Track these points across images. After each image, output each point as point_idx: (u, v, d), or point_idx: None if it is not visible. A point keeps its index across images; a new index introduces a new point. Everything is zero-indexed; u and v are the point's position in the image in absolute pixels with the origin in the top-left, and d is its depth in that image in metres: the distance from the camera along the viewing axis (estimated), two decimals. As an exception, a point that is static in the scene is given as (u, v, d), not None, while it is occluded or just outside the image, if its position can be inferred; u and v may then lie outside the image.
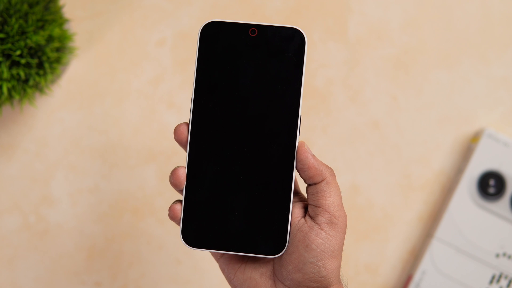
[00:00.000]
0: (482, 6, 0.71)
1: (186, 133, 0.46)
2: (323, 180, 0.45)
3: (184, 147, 0.46)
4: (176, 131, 0.46)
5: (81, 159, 0.70)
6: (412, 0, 0.72)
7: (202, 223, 0.46)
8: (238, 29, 0.46)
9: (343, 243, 0.45)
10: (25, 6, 0.61)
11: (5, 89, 0.61)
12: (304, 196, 0.48)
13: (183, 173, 0.46)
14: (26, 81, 0.62)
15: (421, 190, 0.70)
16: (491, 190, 0.67)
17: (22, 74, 0.61)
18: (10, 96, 0.62)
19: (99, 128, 0.70)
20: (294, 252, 0.45)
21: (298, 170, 0.46)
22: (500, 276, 0.67)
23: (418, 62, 0.71)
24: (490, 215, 0.67)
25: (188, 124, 0.46)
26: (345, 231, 0.45)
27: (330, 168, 0.46)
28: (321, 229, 0.44)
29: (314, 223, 0.44)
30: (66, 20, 0.65)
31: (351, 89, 0.71)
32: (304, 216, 0.45)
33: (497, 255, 0.67)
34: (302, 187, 0.48)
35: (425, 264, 0.68)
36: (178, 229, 0.48)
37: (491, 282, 0.67)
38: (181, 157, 0.69)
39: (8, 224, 0.69)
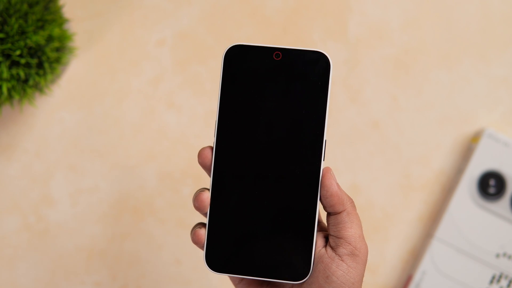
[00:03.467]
0: (482, 6, 0.71)
1: (210, 157, 0.46)
2: (344, 210, 0.45)
3: (208, 170, 0.46)
4: (200, 155, 0.46)
5: (81, 159, 0.70)
6: (412, 0, 0.72)
7: (226, 247, 0.46)
8: (262, 53, 0.46)
9: (363, 275, 0.45)
10: (25, 6, 0.60)
11: (4, 89, 0.61)
12: (325, 225, 0.48)
13: (207, 197, 0.46)
14: (26, 81, 0.62)
15: (421, 190, 0.70)
16: (491, 190, 0.67)
17: (22, 74, 0.61)
18: (10, 96, 0.62)
19: (99, 128, 0.70)
20: (314, 282, 0.45)
21: (320, 196, 0.46)
22: (500, 276, 0.67)
23: (418, 62, 0.71)
24: (490, 215, 0.67)
25: (212, 148, 0.46)
26: (366, 262, 0.45)
27: (351, 198, 0.46)
28: (342, 260, 0.44)
29: (335, 254, 0.44)
30: (66, 20, 0.65)
31: (351, 89, 0.71)
32: (325, 246, 0.45)
33: (497, 255, 0.67)
34: (322, 215, 0.49)
35: (425, 264, 0.67)
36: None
37: (491, 282, 0.67)
38: (181, 158, 0.69)
39: (8, 224, 0.69)
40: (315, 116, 0.45)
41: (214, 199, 0.46)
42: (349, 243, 0.44)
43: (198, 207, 0.46)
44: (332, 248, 0.45)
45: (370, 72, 0.71)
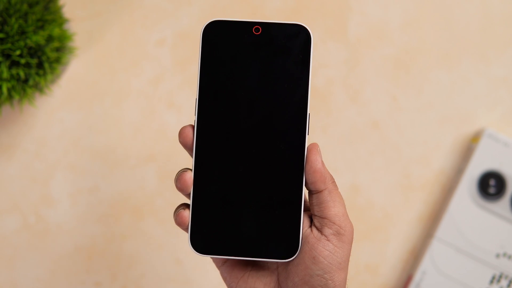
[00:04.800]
0: (482, 6, 0.71)
1: (191, 136, 0.45)
2: (325, 188, 0.44)
3: (189, 150, 0.45)
4: (181, 133, 0.45)
5: (81, 159, 0.70)
6: (412, 0, 0.72)
7: (212, 228, 0.45)
8: (241, 28, 0.45)
9: (350, 254, 0.44)
10: (25, 6, 0.60)
11: (4, 89, 0.60)
12: (308, 205, 0.47)
13: (189, 178, 0.44)
14: (26, 81, 0.62)
15: (421, 190, 0.70)
16: (491, 190, 0.67)
17: (21, 74, 0.61)
18: (10, 96, 0.62)
19: (99, 128, 0.70)
20: (300, 264, 0.44)
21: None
22: (500, 276, 0.67)
23: (418, 62, 0.71)
24: (490, 215, 0.67)
25: (193, 127, 0.45)
26: (352, 241, 0.44)
27: (333, 177, 0.45)
28: (328, 240, 0.43)
29: (321, 234, 0.44)
30: (66, 20, 0.65)
31: (351, 89, 0.71)
32: (310, 227, 0.44)
33: (498, 255, 0.67)
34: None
35: (425, 264, 0.67)
36: (185, 235, 0.47)
37: (491, 282, 0.67)
38: (181, 158, 0.69)
39: (8, 224, 0.69)
40: (297, 90, 0.45)
41: (197, 179, 0.45)
42: (334, 223, 0.43)
43: (180, 188, 0.44)
44: (317, 228, 0.44)
45: (370, 72, 0.71)
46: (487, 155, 0.68)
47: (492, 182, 0.67)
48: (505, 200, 0.67)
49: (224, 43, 0.45)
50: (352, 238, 0.44)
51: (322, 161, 0.45)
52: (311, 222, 0.45)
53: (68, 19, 0.66)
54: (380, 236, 0.70)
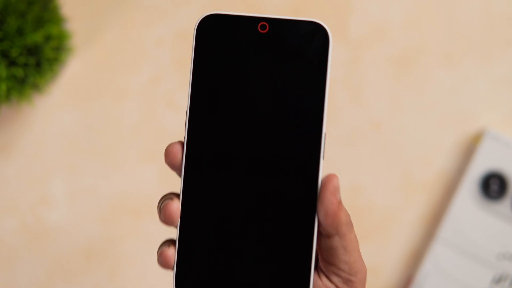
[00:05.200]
0: (485, 5, 0.71)
1: (180, 155, 0.37)
2: (337, 234, 0.37)
3: (178, 171, 0.37)
4: (168, 153, 0.37)
5: (80, 159, 0.69)
6: (413, -1, 0.71)
7: (202, 272, 0.37)
8: (244, 24, 0.37)
9: None
10: (23, 5, 0.60)
11: (3, 89, 0.60)
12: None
13: (176, 209, 0.36)
14: (24, 80, 0.62)
15: (423, 191, 0.70)
16: (493, 190, 0.67)
17: (20, 73, 0.61)
18: (8, 96, 0.62)
19: (98, 128, 0.70)
20: None
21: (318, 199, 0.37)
22: (502, 278, 0.67)
23: (420, 62, 0.71)
24: (492, 215, 0.67)
25: (182, 144, 0.37)
26: (365, 283, 0.39)
27: (348, 216, 0.37)
28: None
29: (329, 282, 0.38)
30: (65, 19, 0.64)
31: (352, 88, 0.70)
32: (316, 269, 0.38)
33: (500, 256, 0.67)
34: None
35: (427, 265, 0.67)
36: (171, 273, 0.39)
37: (493, 283, 0.67)
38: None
39: (5, 225, 0.69)
40: (311, 104, 0.37)
41: (186, 210, 0.37)
42: (343, 270, 0.37)
43: (165, 221, 0.37)
44: (324, 274, 0.38)
45: (371, 72, 0.70)
46: (489, 155, 0.67)
47: (494, 182, 0.67)
48: (507, 200, 0.67)
49: (223, 43, 0.37)
50: (365, 281, 0.39)
51: (338, 202, 0.36)
52: (317, 263, 0.39)
53: (67, 18, 0.65)
54: (381, 236, 0.69)
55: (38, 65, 0.62)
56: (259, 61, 0.37)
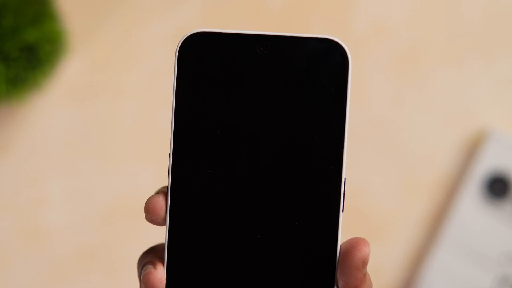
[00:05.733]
0: (489, 3, 0.71)
1: (163, 211, 0.31)
2: None
3: (162, 225, 0.31)
4: (148, 208, 0.31)
5: (77, 159, 0.69)
6: (415, -3, 0.71)
7: None
8: (238, 44, 0.29)
9: None
10: (20, 2, 0.60)
11: (1, 88, 0.60)
12: None
13: (160, 279, 0.30)
14: (20, 79, 0.62)
15: (425, 191, 0.70)
16: (497, 191, 0.67)
17: (16, 71, 0.61)
18: (4, 94, 0.62)
19: (96, 128, 0.70)
20: None
21: (339, 267, 0.30)
22: (505, 280, 0.67)
23: (423, 60, 0.71)
24: (495, 217, 0.67)
25: (166, 195, 0.31)
26: None
27: (370, 282, 0.31)
28: None
29: None
30: (62, 16, 0.65)
31: (353, 87, 0.70)
32: None
33: (503, 258, 0.67)
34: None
35: (428, 266, 0.67)
36: None
37: (496, 286, 0.67)
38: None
39: (1, 226, 0.69)
40: (327, 143, 0.30)
41: (172, 279, 0.30)
42: None
43: None
44: None
45: (373, 70, 0.70)
46: (493, 155, 0.67)
47: (497, 183, 0.67)
48: (510, 201, 0.67)
49: (212, 68, 0.29)
50: None
51: (363, 275, 0.29)
52: None
53: (64, 16, 0.66)
54: (383, 237, 0.69)
55: (35, 63, 0.62)
56: (258, 91, 0.29)
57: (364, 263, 0.30)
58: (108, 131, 0.70)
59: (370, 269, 0.70)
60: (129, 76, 0.70)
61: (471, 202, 0.67)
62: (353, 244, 0.29)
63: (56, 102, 0.70)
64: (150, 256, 0.32)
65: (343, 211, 0.30)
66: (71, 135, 0.70)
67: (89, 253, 0.69)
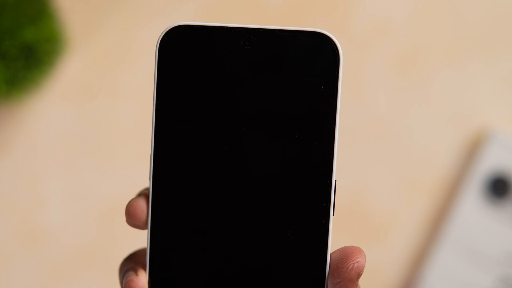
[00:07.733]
0: (491, 2, 0.71)
1: (144, 214, 0.30)
2: None
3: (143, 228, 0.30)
4: (129, 212, 0.30)
5: (76, 159, 0.69)
6: (416, -4, 0.71)
7: None
8: (222, 38, 0.28)
9: None
10: (18, 1, 0.60)
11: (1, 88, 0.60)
12: None
13: (142, 286, 0.29)
14: (19, 78, 0.62)
15: (426, 192, 0.70)
16: (498, 191, 0.67)
17: (15, 71, 0.60)
18: (4, 94, 0.62)
19: (95, 127, 0.70)
20: None
21: (330, 277, 0.28)
22: (506, 280, 0.67)
23: (424, 60, 0.71)
24: (496, 217, 0.67)
25: (147, 198, 0.30)
26: None
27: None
28: None
29: None
30: (61, 16, 0.64)
31: (353, 87, 0.70)
32: None
33: (504, 258, 0.67)
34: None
35: (429, 267, 0.67)
36: None
37: (496, 286, 0.67)
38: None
39: (0, 226, 0.69)
40: (316, 143, 0.28)
41: (155, 285, 0.29)
42: None
43: None
44: None
45: (373, 70, 0.70)
46: (494, 155, 0.67)
47: (499, 183, 0.67)
48: None
49: (195, 64, 0.28)
50: None
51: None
52: None
53: (64, 15, 0.66)
54: (384, 238, 0.69)
55: (34, 62, 0.62)
56: (243, 88, 0.28)
57: (359, 275, 0.27)
58: (107, 131, 0.70)
59: (371, 269, 0.70)
60: (128, 76, 0.70)
61: (472, 202, 0.67)
62: (348, 254, 0.27)
63: (55, 102, 0.70)
64: (132, 262, 0.30)
65: (333, 215, 0.28)
66: (70, 135, 0.70)
67: (88, 253, 0.69)
